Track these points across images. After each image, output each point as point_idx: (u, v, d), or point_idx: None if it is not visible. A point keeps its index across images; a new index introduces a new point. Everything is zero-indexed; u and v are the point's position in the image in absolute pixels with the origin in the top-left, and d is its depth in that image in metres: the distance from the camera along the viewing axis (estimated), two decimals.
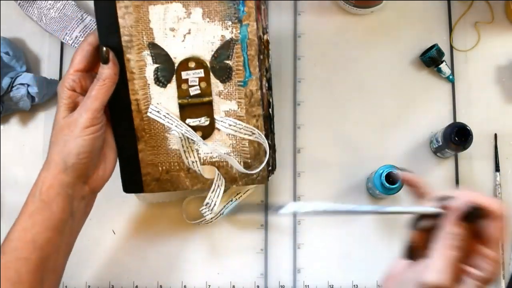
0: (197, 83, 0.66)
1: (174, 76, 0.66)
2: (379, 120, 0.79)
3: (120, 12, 0.63)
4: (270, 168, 0.70)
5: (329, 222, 0.77)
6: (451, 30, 0.81)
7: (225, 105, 0.67)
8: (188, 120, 0.67)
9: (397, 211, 0.51)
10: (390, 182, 0.70)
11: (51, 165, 0.62)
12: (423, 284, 0.47)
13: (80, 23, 0.78)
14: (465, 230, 0.48)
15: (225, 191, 0.72)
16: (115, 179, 0.74)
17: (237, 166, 0.68)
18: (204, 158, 0.68)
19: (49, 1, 0.78)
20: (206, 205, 0.69)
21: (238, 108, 0.67)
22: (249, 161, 0.68)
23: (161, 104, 0.66)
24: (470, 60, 0.81)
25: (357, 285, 0.76)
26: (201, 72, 0.65)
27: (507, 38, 0.81)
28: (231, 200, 0.75)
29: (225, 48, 0.65)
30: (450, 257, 0.47)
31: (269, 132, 0.70)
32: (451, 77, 0.80)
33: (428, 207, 0.50)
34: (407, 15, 0.81)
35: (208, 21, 0.64)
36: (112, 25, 0.64)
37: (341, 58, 0.80)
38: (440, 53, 0.78)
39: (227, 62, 0.65)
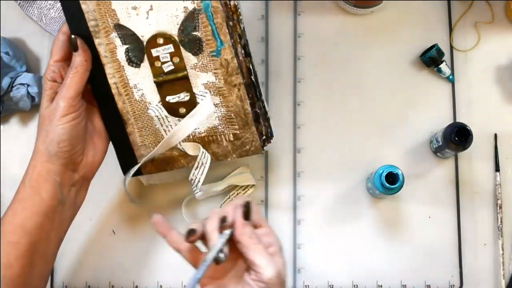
0: (169, 59, 0.64)
1: (145, 55, 0.65)
2: (379, 120, 0.79)
3: None
4: (264, 137, 0.68)
5: (329, 222, 0.77)
6: (451, 30, 0.81)
7: (202, 78, 0.65)
8: (167, 98, 0.66)
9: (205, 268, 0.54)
10: (390, 182, 0.70)
11: (38, 154, 0.63)
12: (266, 283, 0.54)
13: None
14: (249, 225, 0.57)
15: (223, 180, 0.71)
16: (115, 179, 0.74)
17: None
18: (193, 134, 0.67)
19: (49, 1, 0.78)
20: (190, 181, 0.67)
21: (216, 79, 0.65)
22: (238, 132, 0.67)
23: (139, 84, 0.66)
24: (470, 60, 0.81)
25: (357, 285, 0.76)
26: (170, 47, 0.64)
27: (507, 38, 0.81)
28: (229, 198, 0.75)
29: (190, 20, 0.63)
30: (263, 249, 0.55)
31: (256, 100, 0.67)
32: (451, 77, 0.80)
33: (224, 236, 0.56)
34: (407, 15, 0.81)
35: None
36: (77, 12, 0.63)
37: (341, 58, 0.80)
38: (440, 53, 0.78)
39: (195, 33, 0.63)
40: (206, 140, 0.67)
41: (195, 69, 0.65)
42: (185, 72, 0.65)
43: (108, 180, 0.74)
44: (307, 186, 0.78)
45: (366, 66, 0.80)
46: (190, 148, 0.67)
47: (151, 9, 0.63)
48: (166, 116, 0.66)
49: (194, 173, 0.67)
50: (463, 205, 0.77)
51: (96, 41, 0.64)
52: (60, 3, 0.65)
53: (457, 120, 0.79)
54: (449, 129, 0.72)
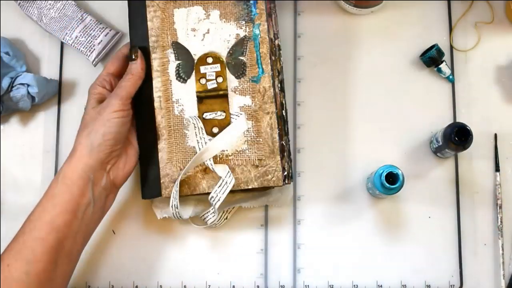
0: (214, 77, 0.71)
1: (194, 71, 0.71)
2: (379, 120, 0.79)
3: (149, 16, 0.72)
4: (286, 173, 0.70)
5: (329, 222, 0.77)
6: (451, 30, 0.81)
7: (240, 101, 0.71)
8: (205, 114, 0.70)
9: None
10: (390, 182, 0.70)
11: (77, 150, 0.66)
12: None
13: (80, 23, 0.78)
14: None
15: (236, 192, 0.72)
16: None
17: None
18: (220, 156, 0.70)
19: (49, 1, 0.78)
20: (210, 198, 0.69)
21: (252, 103, 0.70)
22: (263, 159, 0.70)
23: (181, 99, 0.71)
24: (470, 60, 0.81)
25: (357, 285, 0.76)
26: (217, 67, 0.71)
27: (507, 38, 0.81)
28: (230, 209, 0.75)
29: (240, 45, 0.71)
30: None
31: (284, 134, 0.71)
32: (451, 77, 0.80)
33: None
34: (407, 15, 0.81)
35: (224, 21, 0.72)
36: (143, 28, 0.72)
37: (341, 58, 0.80)
38: (440, 53, 0.78)
39: (241, 58, 0.71)
40: (232, 164, 0.70)
41: (235, 92, 0.71)
42: (226, 91, 0.70)
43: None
44: (307, 186, 0.78)
45: (366, 66, 0.80)
46: (220, 168, 0.69)
47: (208, 32, 0.72)
48: (201, 128, 0.69)
49: (216, 190, 0.68)
50: (463, 205, 0.77)
51: (152, 55, 0.71)
52: (128, 21, 0.73)
53: (457, 120, 0.79)
54: (449, 129, 0.72)
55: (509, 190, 0.77)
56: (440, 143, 0.74)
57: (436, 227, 0.77)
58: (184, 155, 0.70)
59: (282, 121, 0.71)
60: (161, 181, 0.70)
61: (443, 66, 0.79)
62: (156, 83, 0.71)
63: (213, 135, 0.70)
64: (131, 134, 0.72)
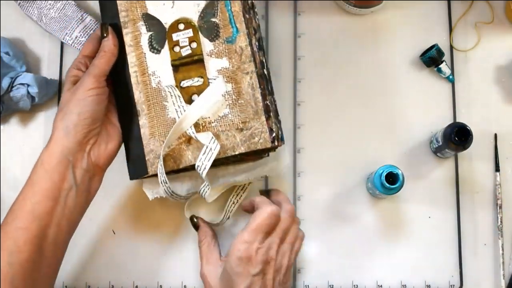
0: (187, 43, 0.68)
1: (166, 40, 0.69)
2: (379, 120, 0.79)
3: None
4: (274, 135, 0.67)
5: (329, 222, 0.77)
6: (451, 30, 0.81)
7: (217, 64, 0.68)
8: (182, 82, 0.68)
9: None
10: (390, 182, 0.70)
11: (54, 134, 0.65)
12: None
13: (80, 23, 0.78)
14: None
15: (228, 159, 0.69)
16: (115, 178, 0.74)
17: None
18: (202, 124, 0.67)
19: (49, 1, 0.78)
20: (197, 168, 0.65)
21: (230, 65, 0.67)
22: (247, 121, 0.67)
23: (157, 71, 0.69)
24: (470, 60, 0.81)
25: (357, 285, 0.76)
26: (190, 32, 0.68)
27: (507, 38, 0.81)
28: (233, 203, 0.75)
29: (210, 7, 0.68)
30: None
31: (267, 93, 0.68)
32: (451, 77, 0.80)
33: None
34: (407, 15, 0.81)
35: None
36: (112, 5, 0.70)
37: (341, 58, 0.80)
38: (440, 53, 0.78)
39: (214, 20, 0.68)
40: (215, 131, 0.67)
41: (210, 56, 0.68)
42: (201, 56, 0.68)
43: (109, 180, 0.73)
44: (307, 186, 0.78)
45: (366, 66, 0.80)
46: (202, 137, 0.66)
47: None
48: (179, 96, 0.67)
49: (201, 158, 0.65)
50: (463, 205, 0.77)
51: (124, 31, 0.69)
52: (99, 3, 0.72)
53: (457, 120, 0.79)
54: (449, 129, 0.72)
55: (509, 190, 0.77)
56: (440, 143, 0.74)
57: (436, 227, 0.77)
58: (166, 128, 0.68)
59: (264, 80, 0.68)
60: (146, 158, 0.68)
61: (443, 66, 0.79)
62: (131, 58, 0.69)
63: (191, 102, 0.68)
64: (111, 113, 0.70)
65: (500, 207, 0.76)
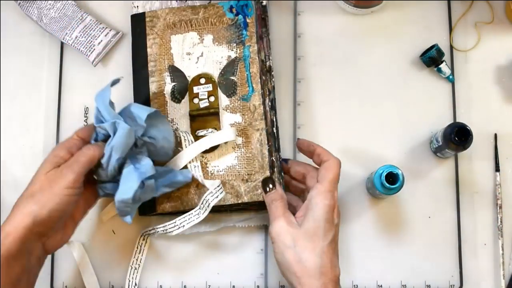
0: (206, 97, 0.74)
1: (187, 91, 0.74)
2: (379, 120, 0.79)
3: (149, 43, 0.76)
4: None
5: None
6: (451, 30, 0.81)
7: (231, 118, 0.74)
8: (197, 131, 0.73)
9: None
10: (390, 182, 0.70)
11: (17, 218, 0.61)
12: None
13: (80, 23, 0.78)
14: None
15: (232, 207, 0.73)
16: None
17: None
18: (212, 172, 0.72)
19: (49, 1, 0.78)
20: (202, 201, 0.69)
21: (242, 120, 0.73)
22: (253, 173, 0.71)
23: (175, 119, 0.74)
24: (470, 60, 0.81)
25: (357, 285, 0.76)
26: (209, 87, 0.74)
27: (507, 38, 0.81)
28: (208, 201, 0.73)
29: (231, 66, 0.75)
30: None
31: (274, 150, 0.73)
32: (451, 77, 0.80)
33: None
34: (407, 15, 0.81)
35: (217, 45, 0.76)
36: (144, 57, 0.76)
37: (341, 58, 0.80)
38: (440, 53, 0.78)
39: (232, 78, 0.74)
40: (223, 179, 0.72)
41: (226, 110, 0.74)
42: (217, 109, 0.73)
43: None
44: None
45: (366, 66, 0.80)
46: (209, 184, 0.70)
47: (202, 55, 0.76)
48: (191, 141, 0.72)
49: (207, 194, 0.69)
50: (463, 205, 0.77)
51: (151, 79, 0.75)
52: (131, 51, 0.77)
53: (457, 120, 0.79)
54: (449, 129, 0.72)
55: (509, 190, 0.77)
56: (440, 143, 0.74)
57: (436, 227, 0.77)
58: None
59: (272, 137, 0.73)
60: (156, 197, 0.71)
61: (443, 66, 0.79)
62: (153, 105, 0.74)
63: (205, 151, 0.72)
64: (77, 209, 0.68)
65: (500, 207, 0.76)
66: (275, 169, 0.72)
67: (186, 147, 0.71)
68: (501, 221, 0.76)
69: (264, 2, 0.78)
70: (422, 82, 0.80)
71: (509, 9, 0.80)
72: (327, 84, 0.80)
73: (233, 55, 0.75)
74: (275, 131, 0.74)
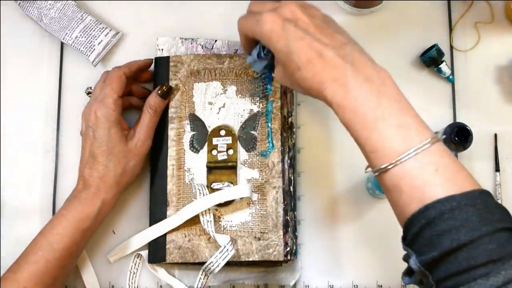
0: (225, 149, 0.73)
1: (206, 142, 0.73)
2: None
3: None
4: (288, 249, 0.71)
5: (329, 222, 0.77)
6: (451, 30, 0.81)
7: (248, 173, 0.72)
8: (213, 184, 0.72)
9: None
10: None
11: (105, 178, 0.70)
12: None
13: (80, 23, 0.78)
14: None
15: (240, 263, 0.72)
16: None
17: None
18: (225, 226, 0.71)
19: (49, 1, 0.78)
20: (210, 264, 0.69)
21: (260, 177, 0.72)
22: (266, 232, 0.70)
23: (192, 168, 0.73)
24: (470, 60, 0.81)
25: (357, 285, 0.76)
26: (229, 139, 0.73)
27: (507, 38, 0.81)
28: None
29: (252, 120, 0.74)
30: None
31: (289, 209, 0.72)
32: (451, 77, 0.80)
33: None
34: (407, 15, 0.81)
35: (240, 97, 0.74)
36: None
37: None
38: (440, 53, 0.78)
39: (253, 132, 0.73)
40: (234, 235, 0.71)
41: (244, 164, 0.73)
42: (235, 164, 0.72)
43: None
44: (307, 186, 0.78)
45: None
46: (220, 239, 0.70)
47: (223, 106, 0.74)
48: (207, 194, 0.71)
49: (216, 255, 0.69)
50: None
51: (170, 125, 0.74)
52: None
53: (457, 120, 0.79)
54: (449, 129, 0.72)
55: (509, 190, 0.77)
56: None
57: None
58: (191, 222, 0.71)
59: (288, 196, 0.73)
60: (167, 247, 0.71)
61: (443, 66, 0.79)
62: (171, 152, 0.74)
63: (219, 205, 0.72)
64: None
65: None
66: (289, 229, 0.71)
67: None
68: None
69: None
70: (422, 82, 0.80)
71: (509, 9, 0.80)
72: None
73: (255, 109, 0.74)
74: (292, 189, 0.74)
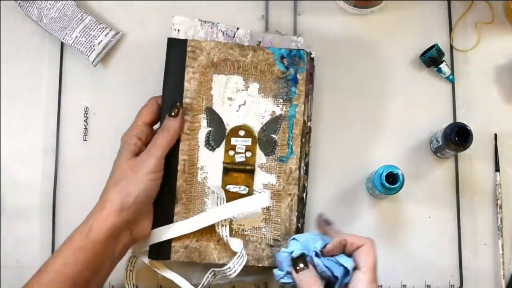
0: (243, 151, 0.70)
1: (224, 141, 0.69)
2: (379, 120, 0.79)
3: (187, 76, 0.69)
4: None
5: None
6: (451, 30, 0.81)
7: (265, 178, 0.70)
8: (228, 186, 0.70)
9: None
10: (390, 182, 0.70)
11: (107, 205, 0.64)
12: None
13: (80, 23, 0.78)
14: None
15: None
16: None
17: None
18: (237, 230, 0.69)
19: (49, 1, 0.78)
20: (227, 269, 0.67)
21: (276, 183, 0.70)
22: (279, 238, 0.69)
23: (206, 167, 0.69)
24: (470, 60, 0.81)
25: None
26: (248, 141, 0.70)
27: (507, 38, 0.81)
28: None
29: (274, 123, 0.70)
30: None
31: (301, 216, 0.71)
32: (451, 77, 0.80)
33: None
34: (407, 15, 0.81)
35: (262, 96, 0.70)
36: (178, 88, 0.69)
37: (341, 58, 0.80)
38: (440, 53, 0.78)
39: (273, 136, 0.70)
40: (246, 240, 0.69)
41: (261, 169, 0.70)
42: (253, 167, 0.69)
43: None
44: (307, 186, 0.78)
45: (366, 66, 0.80)
46: (234, 243, 0.68)
47: (244, 104, 0.70)
48: (223, 199, 0.67)
49: (234, 261, 0.66)
50: (463, 205, 0.77)
51: (184, 117, 0.69)
52: (164, 78, 0.70)
53: (457, 120, 0.79)
54: (449, 129, 0.72)
55: (509, 190, 0.77)
56: (440, 143, 0.74)
57: (436, 227, 0.77)
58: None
59: (301, 203, 0.71)
60: (172, 245, 0.69)
61: (443, 66, 0.79)
62: (183, 146, 0.69)
63: None
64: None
65: (500, 207, 0.76)
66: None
67: (217, 205, 0.67)
68: (501, 221, 0.76)
69: (313, 54, 0.74)
70: (422, 82, 0.80)
71: (509, 9, 0.80)
72: (327, 84, 0.80)
73: (278, 111, 0.70)
74: (304, 196, 0.72)
